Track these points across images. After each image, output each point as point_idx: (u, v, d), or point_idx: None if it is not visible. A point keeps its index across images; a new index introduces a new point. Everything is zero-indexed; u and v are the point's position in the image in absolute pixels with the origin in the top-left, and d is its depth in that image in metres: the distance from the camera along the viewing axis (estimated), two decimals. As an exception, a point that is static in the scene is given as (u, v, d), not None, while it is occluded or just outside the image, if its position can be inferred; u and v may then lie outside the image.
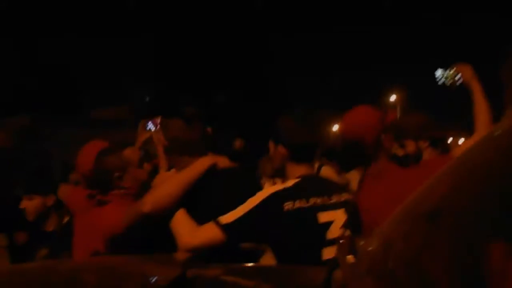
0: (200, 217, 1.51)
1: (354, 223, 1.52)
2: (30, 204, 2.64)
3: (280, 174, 1.70)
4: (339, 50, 22.01)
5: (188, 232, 1.48)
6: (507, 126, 0.45)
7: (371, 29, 22.39)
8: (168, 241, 1.49)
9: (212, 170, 1.64)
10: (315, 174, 1.70)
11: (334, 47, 21.67)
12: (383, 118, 1.78)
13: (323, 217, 1.48)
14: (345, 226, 1.46)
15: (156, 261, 1.21)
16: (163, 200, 1.51)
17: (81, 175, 2.12)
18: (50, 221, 2.68)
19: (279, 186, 1.54)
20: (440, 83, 2.13)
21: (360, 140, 1.76)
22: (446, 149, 2.86)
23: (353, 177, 2.48)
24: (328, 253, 1.43)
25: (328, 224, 1.48)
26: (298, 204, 1.45)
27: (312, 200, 1.48)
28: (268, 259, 1.45)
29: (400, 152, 2.02)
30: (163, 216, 1.50)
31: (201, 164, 1.63)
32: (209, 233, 1.45)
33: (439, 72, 2.14)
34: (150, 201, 1.50)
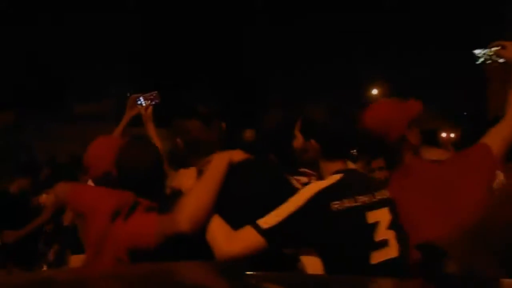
0: (230, 217, 1.42)
1: (399, 223, 1.44)
2: (48, 200, 2.70)
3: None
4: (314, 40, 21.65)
5: (225, 239, 1.37)
6: None
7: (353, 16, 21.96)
8: (195, 249, 1.43)
9: (230, 166, 1.55)
10: (356, 169, 1.59)
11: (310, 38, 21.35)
12: (409, 111, 1.68)
13: (371, 217, 1.38)
14: (391, 227, 1.40)
15: (211, 268, 1.18)
16: (200, 214, 1.42)
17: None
18: (66, 216, 2.62)
19: (321, 183, 1.41)
20: (479, 62, 2.02)
21: (385, 137, 1.66)
22: (436, 143, 2.93)
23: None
24: (377, 257, 1.34)
25: (375, 225, 1.37)
26: (346, 203, 1.34)
27: (360, 199, 1.38)
28: (310, 264, 1.36)
29: None
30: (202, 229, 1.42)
31: (221, 162, 1.53)
32: (249, 239, 1.34)
33: (478, 51, 2.07)
34: (188, 219, 1.40)
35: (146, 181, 1.71)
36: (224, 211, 1.43)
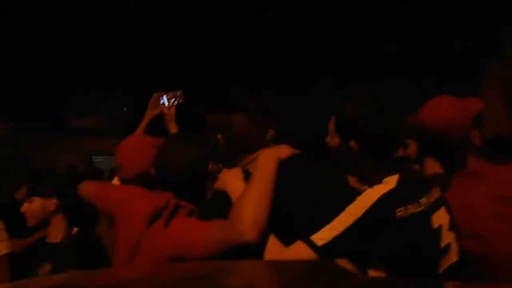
0: (280, 222, 1.29)
1: (455, 222, 1.31)
2: (30, 208, 2.23)
3: None
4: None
5: (275, 255, 1.24)
6: None
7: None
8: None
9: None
10: (409, 167, 1.47)
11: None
12: (471, 107, 1.53)
13: (435, 221, 1.24)
14: (451, 227, 1.27)
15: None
16: (263, 220, 1.26)
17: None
18: (55, 231, 2.26)
19: (382, 188, 1.23)
20: None
21: (446, 137, 1.56)
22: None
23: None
24: (442, 264, 1.23)
25: (439, 229, 1.25)
26: (411, 209, 1.19)
27: (423, 202, 1.23)
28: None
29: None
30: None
31: (270, 161, 1.39)
32: (302, 257, 1.19)
33: None
34: (253, 227, 1.24)
35: (189, 182, 1.57)
36: (274, 214, 1.29)
